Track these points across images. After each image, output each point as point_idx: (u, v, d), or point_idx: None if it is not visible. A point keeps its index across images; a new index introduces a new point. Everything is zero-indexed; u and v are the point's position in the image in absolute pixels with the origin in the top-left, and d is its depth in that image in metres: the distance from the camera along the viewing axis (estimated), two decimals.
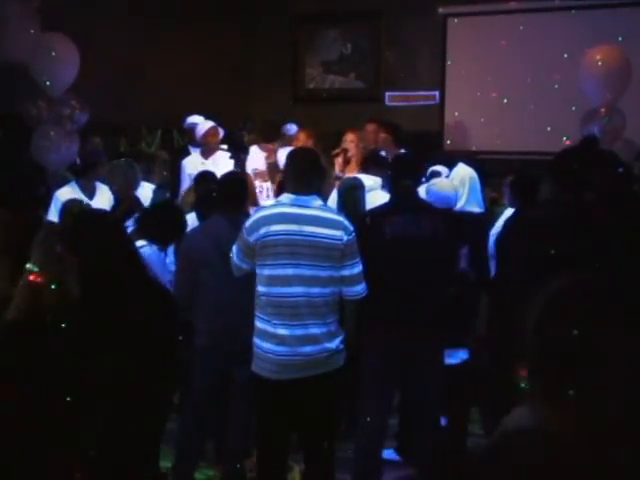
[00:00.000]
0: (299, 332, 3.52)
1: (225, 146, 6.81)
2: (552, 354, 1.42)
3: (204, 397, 4.08)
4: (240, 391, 4.03)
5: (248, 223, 3.59)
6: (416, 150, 5.72)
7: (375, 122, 6.78)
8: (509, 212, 4.77)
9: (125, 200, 5.28)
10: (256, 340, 3.60)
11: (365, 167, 5.32)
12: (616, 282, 1.46)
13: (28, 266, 2.61)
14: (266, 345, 3.54)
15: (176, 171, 6.89)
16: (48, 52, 6.31)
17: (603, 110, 6.70)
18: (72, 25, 6.68)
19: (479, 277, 4.47)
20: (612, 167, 4.69)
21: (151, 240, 4.31)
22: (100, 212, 3.53)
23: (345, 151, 6.15)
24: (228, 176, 4.49)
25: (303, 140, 6.80)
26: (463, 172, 5.90)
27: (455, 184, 5.17)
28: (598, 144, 4.91)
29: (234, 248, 3.66)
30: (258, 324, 3.59)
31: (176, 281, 4.07)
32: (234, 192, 4.15)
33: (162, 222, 4.44)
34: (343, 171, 6.09)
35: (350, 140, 6.25)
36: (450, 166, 5.89)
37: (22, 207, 3.30)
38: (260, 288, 3.57)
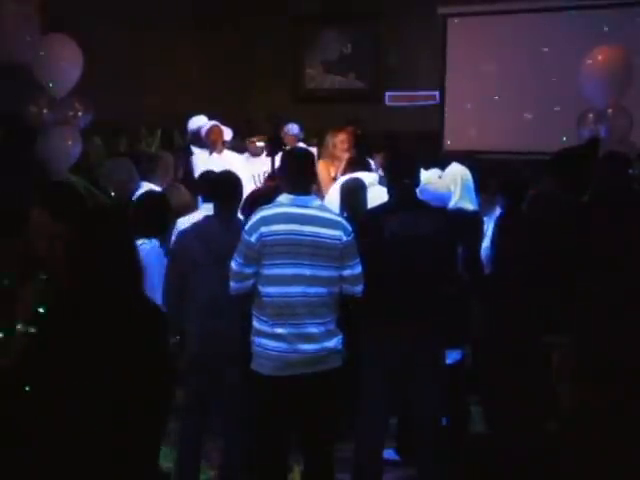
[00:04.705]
0: (297, 330, 3.53)
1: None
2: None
3: (195, 399, 4.05)
4: (230, 391, 3.99)
5: (248, 225, 3.58)
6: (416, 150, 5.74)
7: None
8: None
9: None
10: (254, 338, 3.60)
11: (354, 168, 5.34)
12: None
13: None
14: (265, 342, 3.55)
15: (176, 171, 6.86)
16: (50, 53, 6.31)
17: (610, 111, 6.68)
18: (72, 25, 6.67)
19: (471, 277, 4.44)
20: (614, 167, 4.69)
21: (147, 235, 4.17)
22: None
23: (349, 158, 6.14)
24: (220, 176, 4.39)
25: None
26: (455, 171, 5.94)
27: (447, 183, 5.18)
28: (599, 144, 4.91)
29: (235, 255, 3.58)
30: (256, 324, 3.60)
31: (165, 282, 3.97)
32: (224, 192, 4.06)
33: (147, 212, 4.29)
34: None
35: (341, 140, 6.44)
36: (445, 166, 5.91)
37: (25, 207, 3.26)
38: (259, 288, 3.57)
